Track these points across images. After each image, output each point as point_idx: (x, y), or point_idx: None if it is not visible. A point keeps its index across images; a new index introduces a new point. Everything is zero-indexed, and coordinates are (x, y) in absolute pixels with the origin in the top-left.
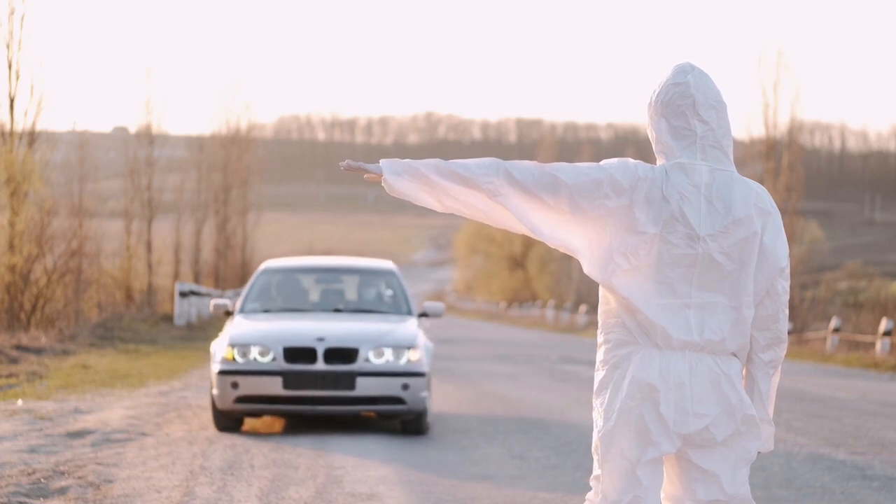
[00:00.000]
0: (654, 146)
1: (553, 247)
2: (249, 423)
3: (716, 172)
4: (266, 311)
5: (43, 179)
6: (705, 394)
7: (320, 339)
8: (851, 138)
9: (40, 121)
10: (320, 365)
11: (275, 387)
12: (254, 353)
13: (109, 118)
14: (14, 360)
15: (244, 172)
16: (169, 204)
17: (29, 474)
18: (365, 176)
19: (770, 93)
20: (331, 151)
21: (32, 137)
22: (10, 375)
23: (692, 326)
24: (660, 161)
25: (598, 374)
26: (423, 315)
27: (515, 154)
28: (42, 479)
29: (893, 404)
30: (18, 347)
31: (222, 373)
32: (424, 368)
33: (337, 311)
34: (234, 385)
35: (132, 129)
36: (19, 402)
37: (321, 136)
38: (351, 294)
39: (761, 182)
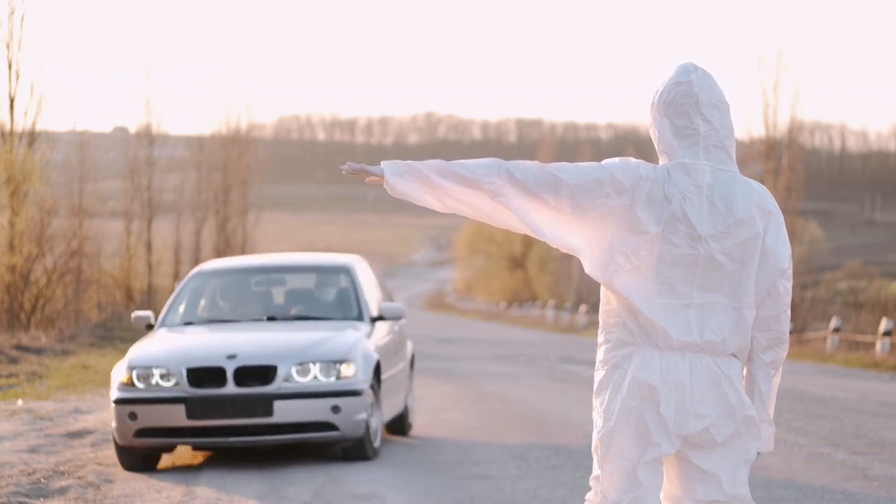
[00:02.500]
0: (656, 146)
1: (554, 246)
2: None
3: (718, 172)
4: (189, 323)
5: (43, 179)
6: (705, 394)
7: (231, 357)
8: (851, 138)
9: (40, 121)
10: (230, 388)
11: (177, 416)
12: (156, 376)
13: (109, 118)
14: (14, 360)
15: (244, 172)
16: (169, 204)
17: (29, 474)
18: (367, 179)
19: (770, 93)
20: (331, 151)
21: (32, 137)
22: (10, 375)
23: (692, 327)
24: (662, 161)
25: (598, 374)
26: (378, 319)
27: (515, 154)
28: (42, 479)
29: (893, 404)
30: (18, 347)
31: (119, 402)
32: (361, 385)
33: (271, 319)
34: (133, 416)
35: (132, 129)
36: (19, 402)
37: (321, 136)
38: (292, 297)
39: (761, 182)
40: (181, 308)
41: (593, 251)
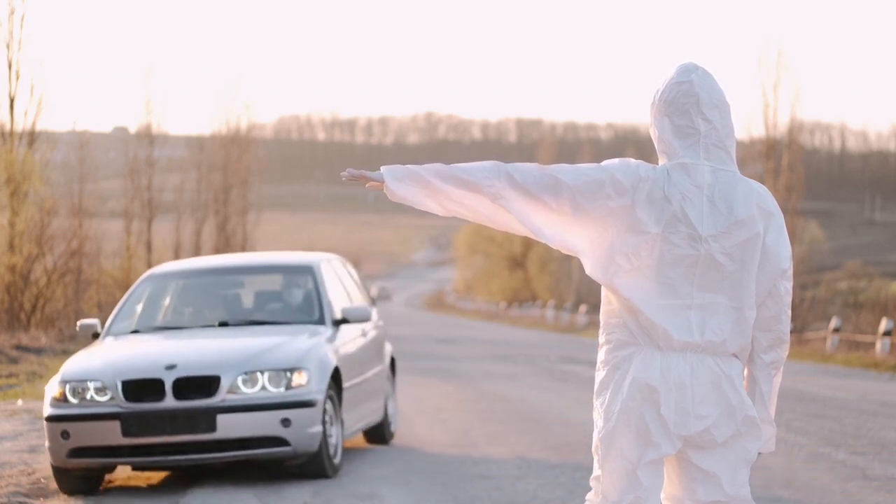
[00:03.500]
0: (656, 145)
1: (555, 248)
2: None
3: (718, 173)
4: (136, 331)
5: (43, 179)
6: (706, 395)
7: (170, 368)
8: (851, 138)
9: (40, 121)
10: (169, 401)
11: (112, 434)
12: (91, 391)
13: (109, 118)
14: (14, 360)
15: (244, 172)
16: (169, 204)
17: (29, 474)
18: (367, 185)
19: (770, 93)
20: (331, 151)
21: (32, 137)
22: (10, 375)
23: (693, 327)
24: (662, 161)
25: (599, 375)
26: (342, 322)
27: (515, 154)
28: (42, 479)
29: (893, 404)
30: (18, 347)
31: (51, 419)
32: (314, 395)
33: (223, 324)
34: (65, 434)
35: (132, 129)
36: (19, 402)
37: (321, 136)
38: (248, 301)
39: (761, 182)
40: (130, 314)
41: (594, 252)
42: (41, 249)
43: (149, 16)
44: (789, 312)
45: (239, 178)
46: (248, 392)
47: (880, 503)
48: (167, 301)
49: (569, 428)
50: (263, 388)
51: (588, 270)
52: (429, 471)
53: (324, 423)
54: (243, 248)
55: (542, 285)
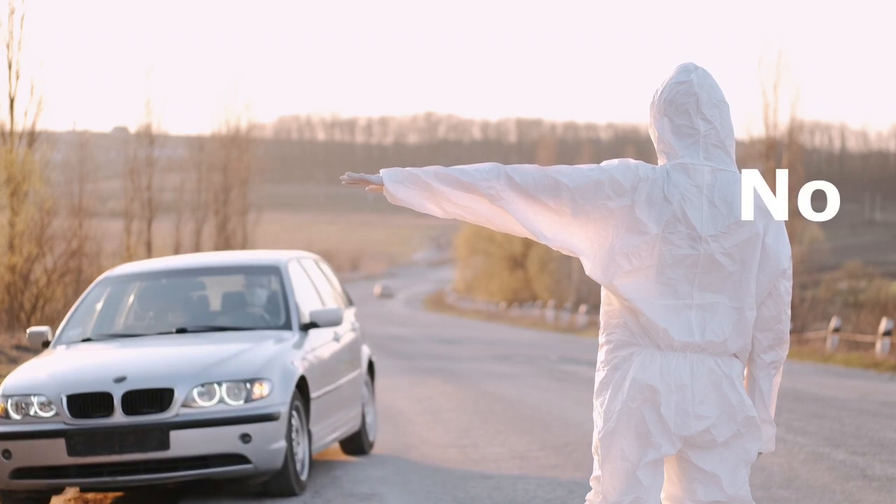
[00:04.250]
0: (655, 145)
1: (555, 249)
2: None
3: (718, 173)
4: (88, 339)
5: (43, 179)
6: (706, 395)
7: (119, 380)
8: (851, 138)
9: (40, 121)
10: (118, 417)
11: (57, 453)
12: (35, 406)
13: (109, 118)
14: (14, 360)
15: (244, 172)
16: (169, 204)
17: None
18: (367, 188)
19: (770, 93)
20: (331, 151)
21: (32, 137)
22: None
23: (693, 327)
24: (661, 161)
25: (599, 375)
26: (311, 326)
27: (515, 154)
28: None
29: (893, 404)
30: (18, 347)
31: None
32: (277, 407)
33: (181, 331)
34: (6, 454)
35: (132, 129)
36: None
37: (321, 136)
38: (209, 305)
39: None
40: (83, 321)
41: (594, 253)
42: (41, 249)
43: (149, 16)
44: (789, 312)
45: (239, 178)
46: (205, 406)
47: (880, 503)
48: (123, 306)
49: (569, 428)
50: (221, 400)
51: (588, 271)
52: (429, 470)
53: (289, 437)
54: (243, 248)
55: (542, 285)
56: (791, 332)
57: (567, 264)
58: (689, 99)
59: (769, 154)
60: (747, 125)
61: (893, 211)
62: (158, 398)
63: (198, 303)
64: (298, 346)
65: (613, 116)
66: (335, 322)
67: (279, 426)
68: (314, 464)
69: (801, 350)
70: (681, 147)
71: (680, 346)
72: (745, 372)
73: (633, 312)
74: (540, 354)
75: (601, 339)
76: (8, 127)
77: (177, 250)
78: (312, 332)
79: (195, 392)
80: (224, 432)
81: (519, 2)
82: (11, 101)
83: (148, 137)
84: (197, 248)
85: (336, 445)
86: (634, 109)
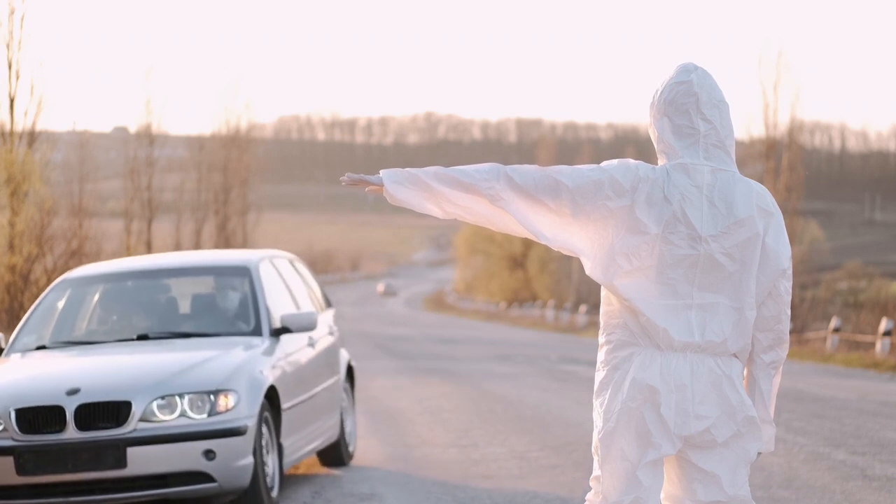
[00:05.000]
0: (655, 146)
1: (556, 249)
2: None
3: (717, 173)
4: (42, 347)
5: (43, 179)
6: (706, 395)
7: (72, 393)
8: (851, 138)
9: (40, 121)
10: (71, 433)
11: (5, 472)
12: None
13: (109, 118)
14: None
15: (244, 172)
16: (169, 204)
17: None
18: (367, 189)
19: (770, 93)
20: (331, 151)
21: (32, 137)
22: None
23: (693, 327)
24: (661, 161)
25: (599, 375)
26: (283, 331)
27: (515, 154)
28: None
29: (893, 404)
30: None
31: None
32: (244, 421)
33: (143, 337)
34: None
35: (132, 129)
36: None
37: (321, 136)
38: (173, 309)
39: (761, 182)
40: (39, 327)
41: (594, 253)
42: (41, 249)
43: (149, 16)
44: (789, 312)
45: (239, 178)
46: (165, 420)
47: (880, 503)
48: (83, 310)
49: (569, 428)
50: (183, 414)
51: (588, 271)
52: (429, 470)
53: (257, 453)
54: (244, 249)
55: (542, 285)
56: (791, 332)
57: (567, 264)
58: (689, 99)
59: (769, 154)
60: (747, 125)
61: (893, 211)
62: (115, 412)
63: (161, 307)
64: (269, 353)
65: (613, 116)
66: (309, 327)
67: (246, 441)
68: (313, 462)
69: (801, 350)
70: (681, 147)
71: (680, 346)
72: (745, 372)
73: (633, 312)
74: (540, 354)
75: (601, 339)
76: (8, 127)
77: (177, 250)
78: (284, 337)
79: (154, 405)
80: (186, 448)
81: (519, 2)
82: (11, 101)
83: (148, 137)
84: (197, 248)
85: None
86: (634, 109)
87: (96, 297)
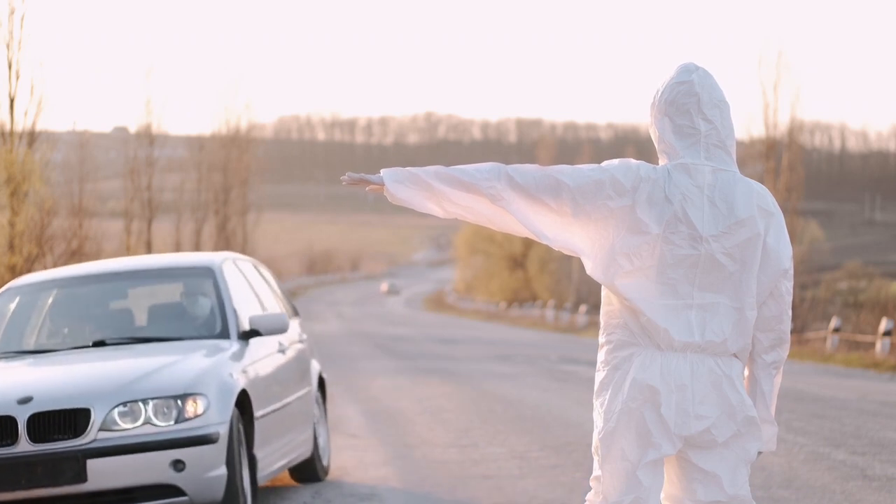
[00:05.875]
0: (656, 146)
1: (557, 249)
2: None
3: (718, 173)
4: None
5: (43, 179)
6: (706, 395)
7: (24, 402)
8: (851, 138)
9: (40, 121)
10: (24, 445)
11: None
12: None
13: (109, 118)
14: None
15: (244, 172)
16: (169, 204)
17: None
18: (367, 188)
19: (770, 93)
20: (331, 151)
21: (32, 137)
22: None
23: (694, 327)
24: (662, 161)
25: (599, 375)
26: (252, 334)
27: (515, 154)
28: None
29: (893, 404)
30: None
31: None
32: (215, 427)
33: (99, 344)
34: None
35: (132, 129)
36: None
37: (321, 136)
38: (132, 313)
39: (761, 182)
40: None
41: (595, 252)
42: (41, 249)
43: (149, 16)
44: (790, 313)
45: (239, 178)
46: (128, 428)
47: (880, 503)
48: (33, 318)
49: (569, 428)
50: (148, 421)
51: (589, 271)
52: (429, 471)
53: (231, 463)
54: (243, 249)
55: (542, 285)
56: (791, 332)
57: (567, 264)
58: (690, 99)
59: (769, 154)
60: (747, 125)
61: (893, 211)
62: (72, 421)
63: (119, 312)
64: (238, 357)
65: (613, 116)
66: (280, 329)
67: (218, 450)
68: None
69: (801, 350)
70: (682, 147)
71: (680, 347)
72: (746, 372)
73: (633, 312)
74: (540, 354)
75: (601, 339)
76: (8, 127)
77: (177, 250)
78: (254, 341)
79: (116, 412)
80: (152, 459)
81: (519, 2)
82: (11, 101)
83: (148, 137)
84: (197, 248)
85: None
86: (634, 109)
87: (48, 303)
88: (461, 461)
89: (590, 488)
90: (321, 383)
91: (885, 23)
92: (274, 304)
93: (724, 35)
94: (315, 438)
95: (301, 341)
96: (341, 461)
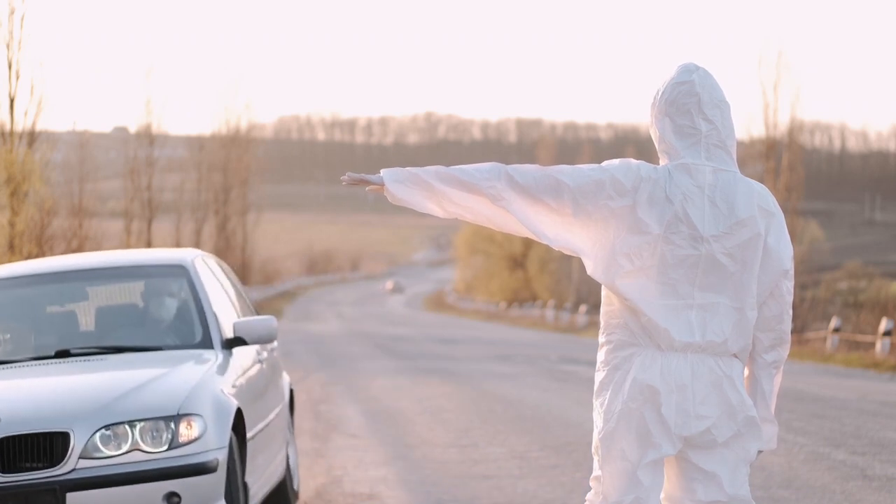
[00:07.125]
0: (657, 146)
1: (557, 249)
2: None
3: (719, 173)
4: None
5: (43, 179)
6: (707, 395)
7: None
8: (851, 138)
9: (40, 121)
10: None
11: None
12: None
13: (109, 118)
14: None
15: (244, 172)
16: (169, 204)
17: None
18: (367, 188)
19: (770, 93)
20: (331, 151)
21: (32, 137)
22: None
23: (694, 328)
24: (663, 161)
25: (599, 375)
26: (236, 342)
27: (515, 154)
28: None
29: (893, 404)
30: None
31: None
32: (213, 454)
33: (63, 354)
34: None
35: (132, 129)
36: None
37: (321, 136)
38: (101, 318)
39: (761, 182)
40: None
41: (595, 252)
42: (41, 249)
43: (149, 16)
44: (791, 312)
45: (239, 178)
46: (113, 455)
47: (880, 503)
48: None
49: (569, 428)
50: (136, 447)
51: (589, 271)
52: (429, 471)
53: (230, 494)
54: (243, 249)
55: (542, 285)
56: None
57: (567, 264)
58: (690, 99)
59: (769, 154)
60: (747, 125)
61: (893, 211)
62: (48, 447)
63: (83, 317)
64: (223, 369)
65: (613, 116)
66: (268, 337)
67: (217, 479)
68: (313, 462)
69: (801, 350)
70: (682, 147)
71: (680, 347)
72: (746, 372)
73: (633, 312)
74: (540, 354)
75: (601, 339)
76: (8, 127)
77: None
78: (236, 350)
79: (98, 437)
80: (142, 492)
81: (519, 2)
82: (11, 101)
83: (148, 137)
84: (197, 248)
85: None
86: (634, 109)
87: (8, 305)
88: (461, 461)
89: (590, 488)
90: (291, 397)
91: (885, 23)
92: (247, 309)
93: (724, 35)
94: (287, 461)
95: (272, 349)
96: (341, 461)
